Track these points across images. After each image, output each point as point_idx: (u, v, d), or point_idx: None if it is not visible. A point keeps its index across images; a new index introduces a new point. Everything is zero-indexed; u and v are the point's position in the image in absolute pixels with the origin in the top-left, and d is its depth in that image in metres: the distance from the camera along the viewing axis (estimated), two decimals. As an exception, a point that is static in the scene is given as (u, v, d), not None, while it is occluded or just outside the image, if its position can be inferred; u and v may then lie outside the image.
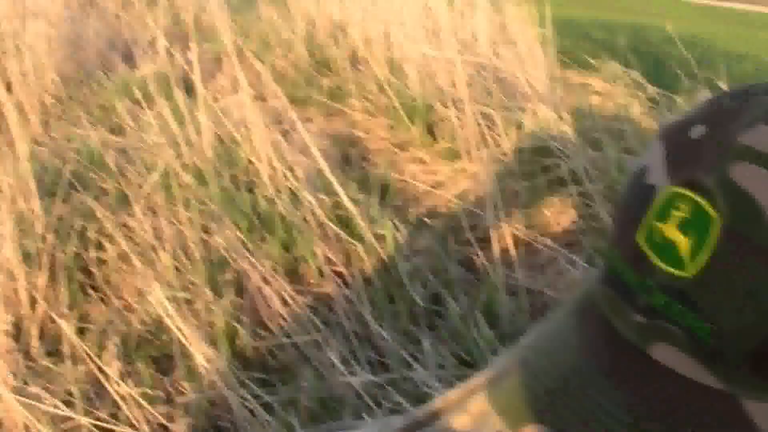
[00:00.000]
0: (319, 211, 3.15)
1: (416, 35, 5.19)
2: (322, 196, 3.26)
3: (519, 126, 4.17)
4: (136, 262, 3.00)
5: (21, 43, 5.75)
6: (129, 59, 6.32)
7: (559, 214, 3.66)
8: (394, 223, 3.24)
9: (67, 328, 2.59)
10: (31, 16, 6.25)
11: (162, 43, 5.48)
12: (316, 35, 6.21)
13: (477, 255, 3.18)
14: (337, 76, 5.56)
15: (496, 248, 3.13)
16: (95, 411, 2.43)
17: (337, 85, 5.40)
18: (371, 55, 5.16)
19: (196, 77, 3.82)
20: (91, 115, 4.93)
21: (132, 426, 2.36)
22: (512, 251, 3.16)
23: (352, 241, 3.10)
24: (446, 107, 4.29)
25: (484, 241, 3.26)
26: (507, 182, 3.74)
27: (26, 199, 3.30)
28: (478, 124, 4.03)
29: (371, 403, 2.43)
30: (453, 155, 4.21)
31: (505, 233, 3.19)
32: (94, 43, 6.52)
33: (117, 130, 4.48)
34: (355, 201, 3.23)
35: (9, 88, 4.99)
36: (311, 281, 3.05)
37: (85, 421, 2.37)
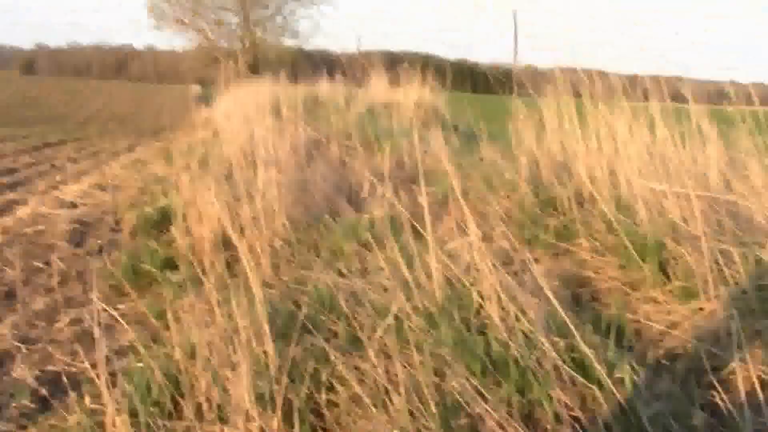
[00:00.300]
0: (553, 354, 3.09)
1: (643, 171, 5.12)
2: (556, 339, 3.20)
3: (758, 261, 3.98)
4: (368, 405, 3.01)
5: (253, 189, 6.07)
6: (354, 202, 6.54)
7: (806, 354, 3.44)
8: (631, 366, 3.12)
9: (302, 469, 2.62)
10: (261, 164, 6.60)
11: (388, 186, 5.63)
12: (540, 174, 6.23)
13: (721, 399, 3.02)
14: (563, 215, 5.56)
15: (741, 391, 2.97)
16: None
17: (564, 224, 5.40)
18: (598, 193, 5.12)
19: (426, 220, 3.88)
20: (320, 258, 5.07)
21: None
22: (759, 393, 2.98)
23: (589, 384, 3.00)
24: (679, 244, 4.17)
25: (728, 384, 3.11)
26: (748, 321, 3.57)
27: (261, 341, 3.39)
28: (716, 262, 3.89)
29: None
30: (688, 294, 4.06)
31: (751, 375, 3.03)
32: (321, 188, 6.82)
33: (346, 272, 4.58)
34: (590, 343, 3.14)
35: (242, 232, 5.25)
36: (547, 426, 2.97)
37: None
